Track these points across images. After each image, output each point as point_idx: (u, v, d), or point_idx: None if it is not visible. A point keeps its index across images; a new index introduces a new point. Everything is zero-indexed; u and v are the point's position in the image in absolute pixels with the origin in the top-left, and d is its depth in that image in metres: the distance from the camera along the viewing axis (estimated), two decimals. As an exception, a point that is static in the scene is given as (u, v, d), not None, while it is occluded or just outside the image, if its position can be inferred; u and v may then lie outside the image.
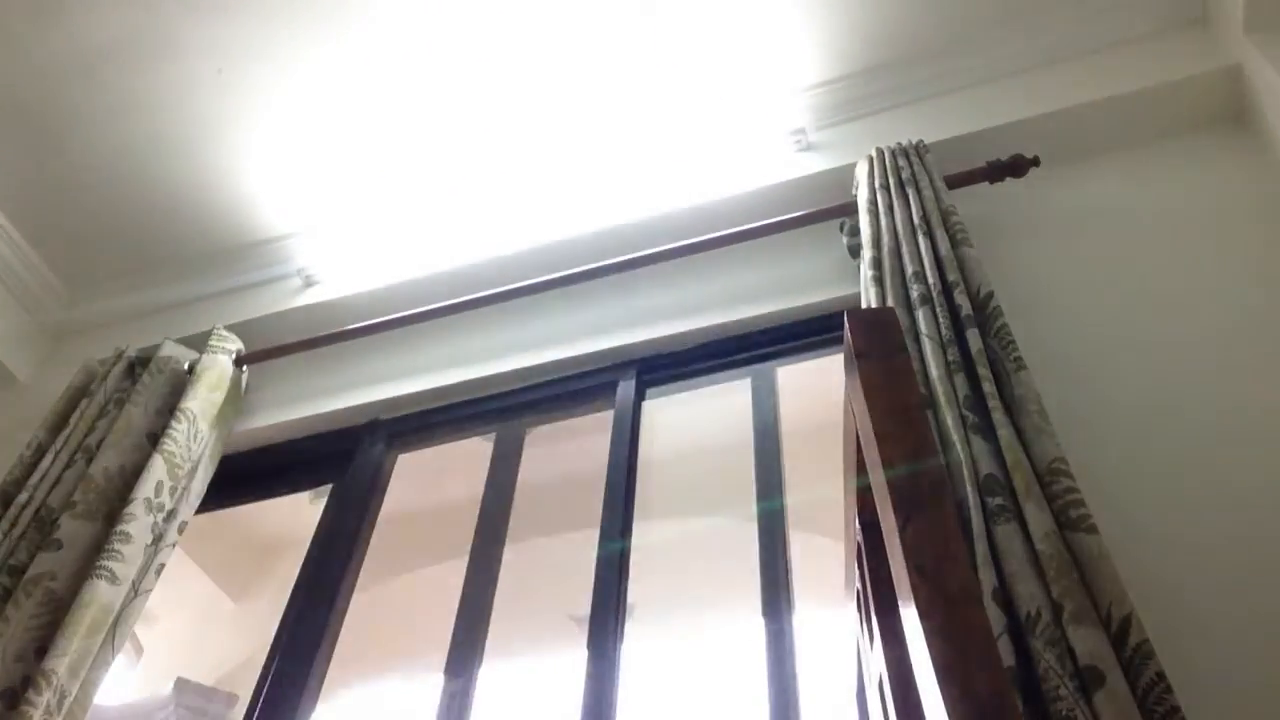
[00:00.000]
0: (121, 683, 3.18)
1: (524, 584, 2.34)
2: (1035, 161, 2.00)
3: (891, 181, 1.98)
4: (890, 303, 1.73)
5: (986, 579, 1.27)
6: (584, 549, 1.94)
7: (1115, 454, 1.56)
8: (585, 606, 1.79)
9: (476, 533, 2.07)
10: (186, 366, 2.35)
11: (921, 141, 2.09)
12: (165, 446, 2.09)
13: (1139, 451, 1.57)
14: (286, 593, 2.11)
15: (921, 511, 0.73)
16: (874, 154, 2.08)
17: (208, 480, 2.20)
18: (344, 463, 2.30)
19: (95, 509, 2.00)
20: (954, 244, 1.80)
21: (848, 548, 1.30)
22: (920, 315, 1.66)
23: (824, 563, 2.11)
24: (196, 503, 2.16)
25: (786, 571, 1.74)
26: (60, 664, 1.73)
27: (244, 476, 2.39)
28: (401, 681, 3.37)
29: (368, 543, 2.19)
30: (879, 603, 1.09)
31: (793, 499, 1.88)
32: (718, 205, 2.26)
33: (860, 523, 1.15)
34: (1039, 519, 1.30)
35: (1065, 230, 1.96)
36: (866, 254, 1.87)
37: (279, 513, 3.11)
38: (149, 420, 2.21)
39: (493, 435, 2.28)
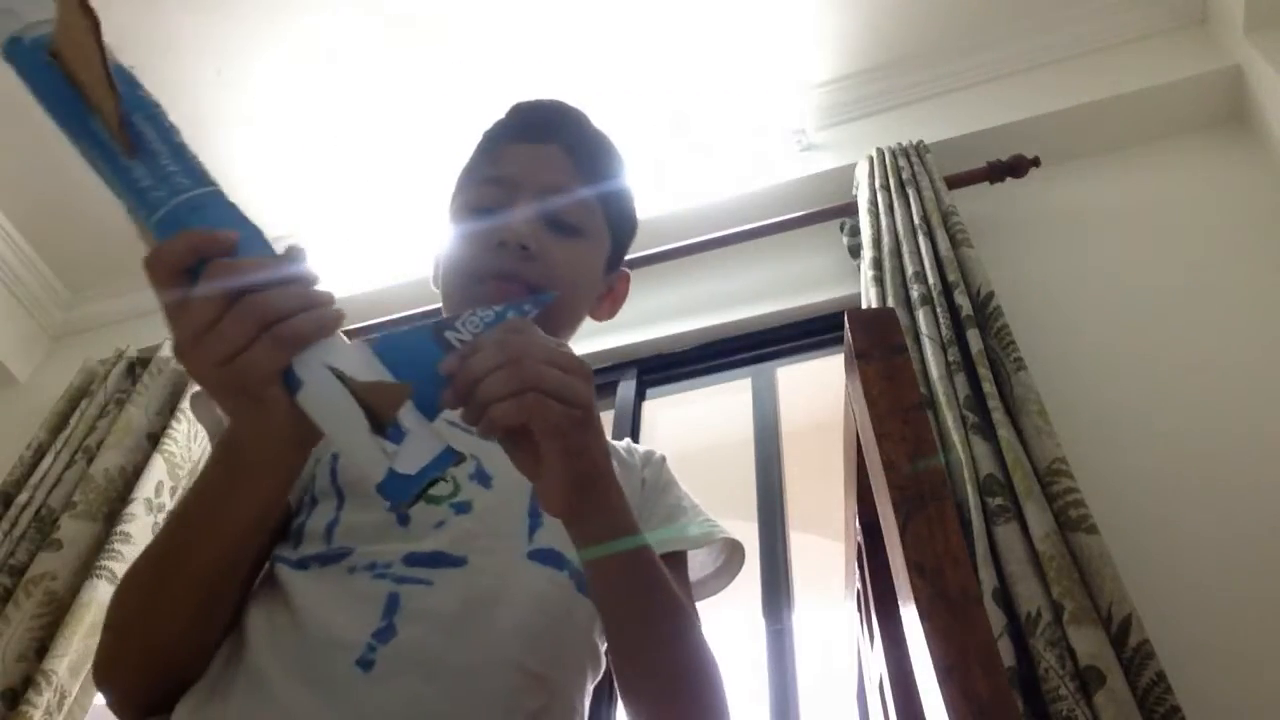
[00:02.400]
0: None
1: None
2: (1035, 161, 2.00)
3: (892, 182, 1.98)
4: (890, 303, 1.73)
5: (987, 579, 1.27)
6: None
7: (1115, 454, 1.56)
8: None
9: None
10: (186, 366, 2.34)
11: (922, 142, 2.09)
12: (165, 447, 2.09)
13: (1139, 451, 1.56)
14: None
15: (921, 511, 0.73)
16: (874, 154, 2.08)
17: (208, 480, 2.20)
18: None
19: (95, 509, 2.00)
20: (954, 244, 1.80)
21: (848, 548, 1.30)
22: (920, 315, 1.66)
23: (824, 563, 2.11)
24: (197, 503, 2.16)
25: (786, 571, 1.74)
26: (60, 664, 1.73)
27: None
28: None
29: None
30: (879, 603, 1.09)
31: (793, 499, 1.87)
32: (718, 205, 2.26)
33: (860, 523, 1.15)
34: (1039, 519, 1.30)
35: (1065, 230, 1.95)
36: (867, 254, 1.87)
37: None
38: (149, 420, 2.21)
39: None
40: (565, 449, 0.59)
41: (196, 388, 0.87)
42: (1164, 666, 1.17)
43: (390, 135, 2.49)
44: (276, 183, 2.57)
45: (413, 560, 0.74)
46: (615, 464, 0.92)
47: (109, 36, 0.56)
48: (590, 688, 0.82)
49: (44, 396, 2.50)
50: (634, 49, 2.32)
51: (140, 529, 1.96)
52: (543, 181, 0.90)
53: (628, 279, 1.03)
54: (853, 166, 2.15)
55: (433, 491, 0.73)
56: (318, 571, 0.74)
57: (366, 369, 0.56)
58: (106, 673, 0.73)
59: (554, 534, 0.79)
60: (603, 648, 0.84)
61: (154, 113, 0.58)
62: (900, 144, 2.09)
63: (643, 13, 2.26)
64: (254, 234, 0.56)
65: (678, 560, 0.90)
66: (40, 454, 2.19)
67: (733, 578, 0.97)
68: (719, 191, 2.27)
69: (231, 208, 0.57)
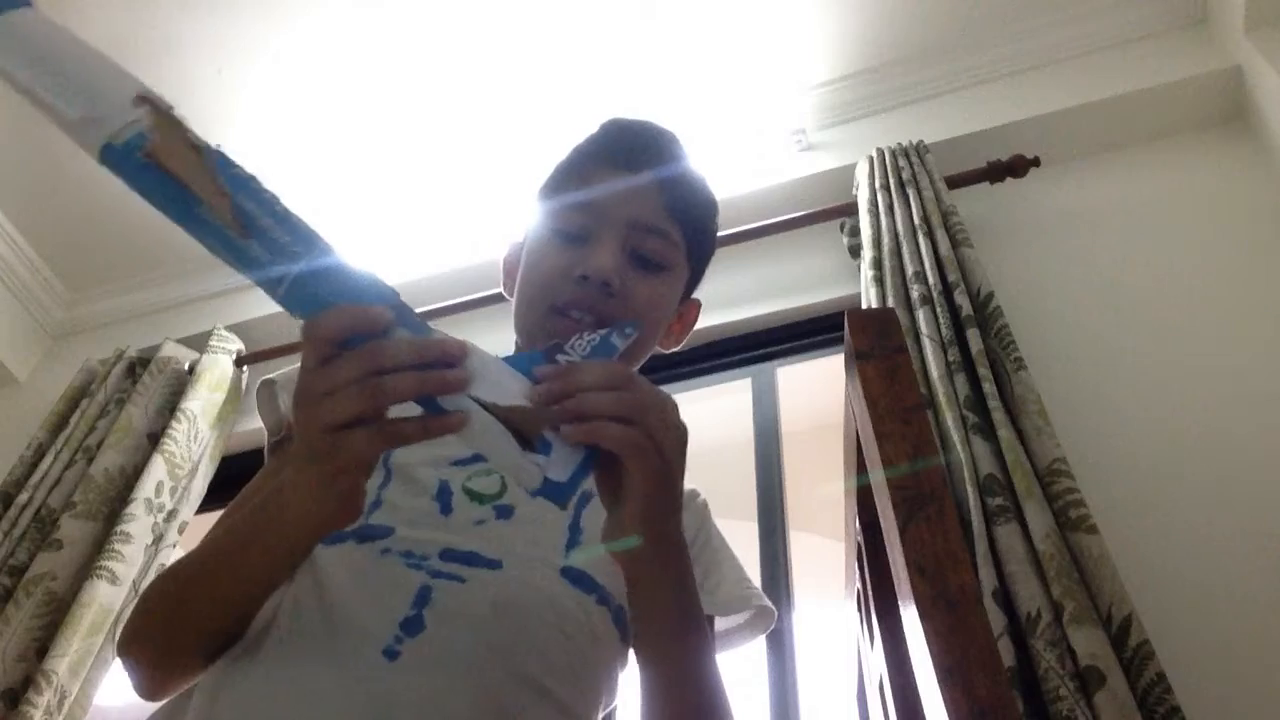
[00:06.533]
0: (122, 683, 3.18)
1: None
2: (1035, 161, 2.00)
3: (892, 182, 1.98)
4: (891, 303, 1.73)
5: (987, 579, 1.27)
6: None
7: (1115, 454, 1.56)
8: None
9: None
10: (187, 366, 2.35)
11: (922, 142, 2.08)
12: (165, 447, 2.09)
13: (1139, 451, 1.56)
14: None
15: (921, 511, 0.73)
16: (874, 154, 2.08)
17: (208, 480, 2.21)
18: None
19: (95, 509, 2.00)
20: (954, 244, 1.80)
21: (848, 548, 1.30)
22: (920, 315, 1.66)
23: (824, 563, 2.11)
24: (197, 503, 2.16)
25: (786, 571, 1.74)
26: (60, 664, 1.73)
27: (244, 477, 2.37)
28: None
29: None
30: (879, 603, 1.09)
31: (793, 499, 1.87)
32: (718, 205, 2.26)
33: (860, 523, 1.15)
34: (1039, 519, 1.30)
35: (1065, 230, 1.95)
36: (867, 254, 1.87)
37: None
38: (149, 420, 2.21)
39: (493, 435, 2.27)
40: (645, 497, 0.63)
41: (265, 377, 0.90)
42: (1164, 666, 1.17)
43: (391, 134, 2.49)
44: (277, 183, 2.56)
45: (449, 556, 0.75)
46: None
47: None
48: (601, 718, 0.83)
49: (44, 396, 2.50)
50: (634, 49, 2.32)
51: (140, 529, 1.96)
52: (631, 214, 0.89)
53: (698, 307, 1.02)
54: (853, 166, 2.15)
55: (479, 489, 0.80)
56: (351, 548, 0.75)
57: (508, 380, 0.61)
58: (129, 645, 0.75)
59: (589, 556, 0.80)
60: (619, 679, 0.84)
61: (254, 187, 0.62)
62: (900, 144, 2.09)
63: (643, 13, 2.26)
64: (371, 285, 0.60)
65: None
66: (40, 454, 2.19)
67: (755, 637, 0.96)
68: (719, 192, 2.26)
69: (342, 267, 0.61)
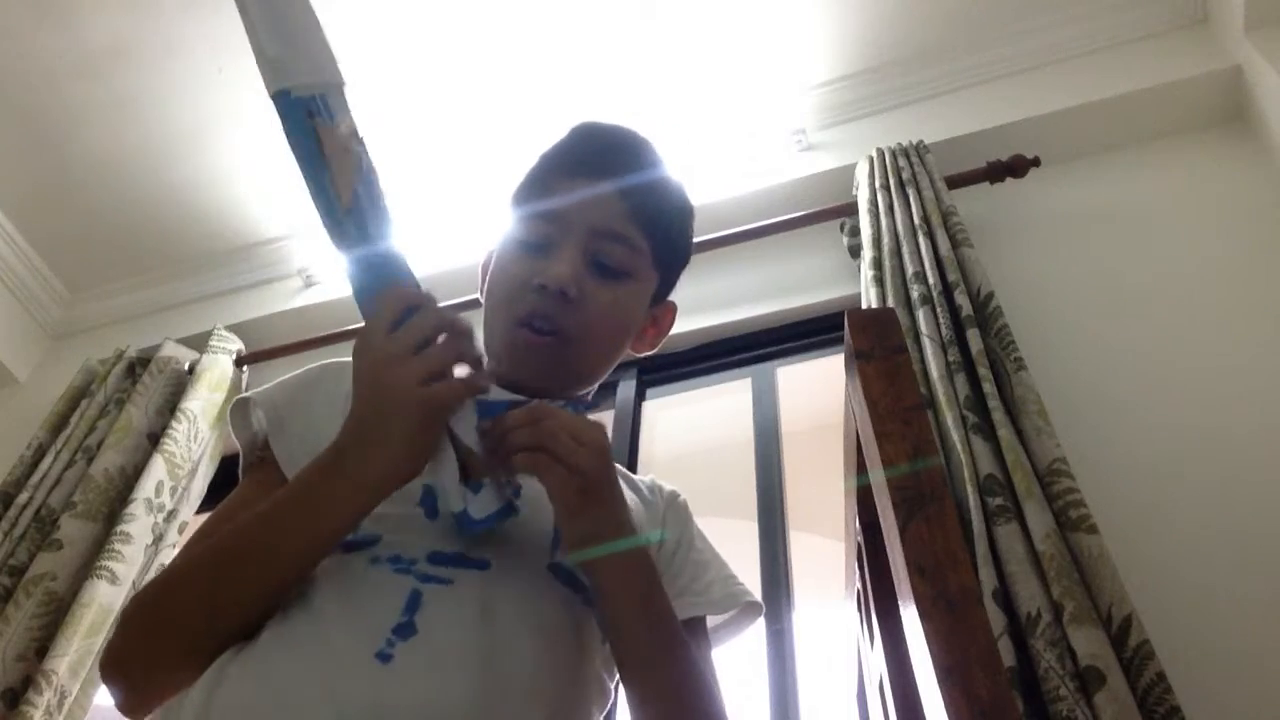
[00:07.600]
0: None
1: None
2: (1035, 161, 2.00)
3: (892, 182, 1.98)
4: (891, 303, 1.73)
5: (987, 579, 1.27)
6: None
7: (1115, 453, 1.56)
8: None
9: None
10: (187, 366, 2.35)
11: (922, 142, 2.08)
12: (165, 446, 2.09)
13: (1139, 451, 1.56)
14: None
15: (921, 511, 0.73)
16: (874, 154, 2.08)
17: (208, 480, 2.20)
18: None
19: (95, 509, 2.00)
20: (954, 244, 1.80)
21: (848, 548, 1.30)
22: (920, 315, 1.66)
23: (824, 563, 2.10)
24: (197, 503, 2.16)
25: (786, 571, 1.74)
26: (60, 664, 1.73)
27: (244, 476, 2.38)
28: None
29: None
30: (879, 603, 1.09)
31: (793, 499, 1.87)
32: (718, 205, 2.26)
33: (860, 523, 1.15)
34: (1039, 519, 1.30)
35: (1065, 230, 1.95)
36: (867, 254, 1.87)
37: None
38: (149, 420, 2.21)
39: (493, 435, 2.27)
40: (565, 507, 0.72)
41: (240, 395, 0.90)
42: (1164, 666, 1.17)
43: (391, 133, 2.49)
44: (278, 183, 2.57)
45: (436, 559, 0.76)
46: (634, 498, 0.94)
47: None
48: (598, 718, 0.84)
49: (44, 396, 2.50)
50: (634, 49, 2.32)
51: (140, 529, 1.96)
52: (592, 221, 0.89)
53: (673, 312, 1.02)
54: (853, 166, 2.15)
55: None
56: (339, 559, 0.75)
57: (473, 417, 0.74)
58: (118, 662, 0.74)
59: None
60: (612, 684, 0.85)
61: (370, 178, 0.76)
62: (900, 144, 2.09)
63: (643, 13, 2.26)
64: (414, 280, 0.76)
65: (697, 623, 0.91)
66: (40, 453, 2.19)
67: (743, 630, 0.98)
68: (719, 191, 2.27)
69: (405, 262, 0.76)
